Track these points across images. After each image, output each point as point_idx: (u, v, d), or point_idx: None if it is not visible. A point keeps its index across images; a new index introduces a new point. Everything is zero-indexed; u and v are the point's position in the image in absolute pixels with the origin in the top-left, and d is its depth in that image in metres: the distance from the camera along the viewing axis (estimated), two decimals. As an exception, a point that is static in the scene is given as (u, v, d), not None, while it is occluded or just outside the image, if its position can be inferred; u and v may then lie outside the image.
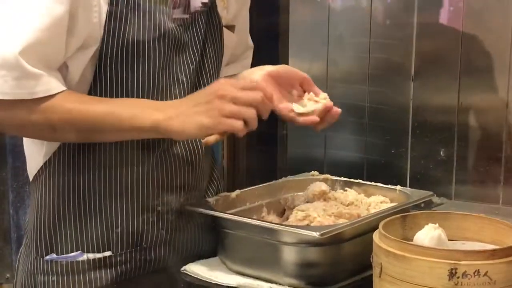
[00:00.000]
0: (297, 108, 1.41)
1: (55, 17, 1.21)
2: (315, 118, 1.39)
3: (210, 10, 1.43)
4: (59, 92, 1.24)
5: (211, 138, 1.26)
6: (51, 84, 1.23)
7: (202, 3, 1.40)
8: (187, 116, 1.23)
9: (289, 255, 1.27)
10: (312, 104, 1.41)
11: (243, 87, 1.26)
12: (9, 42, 1.18)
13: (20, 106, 1.21)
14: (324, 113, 1.40)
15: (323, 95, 1.42)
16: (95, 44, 1.28)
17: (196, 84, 1.42)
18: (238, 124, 1.22)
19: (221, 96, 1.23)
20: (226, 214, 1.37)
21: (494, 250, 1.07)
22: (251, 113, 1.23)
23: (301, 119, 1.40)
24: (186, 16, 1.38)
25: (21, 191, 2.79)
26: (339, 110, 1.42)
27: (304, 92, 1.46)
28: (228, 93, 1.23)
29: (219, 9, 1.46)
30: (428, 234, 1.14)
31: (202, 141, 1.29)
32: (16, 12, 1.20)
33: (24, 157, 1.43)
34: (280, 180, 1.62)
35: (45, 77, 1.22)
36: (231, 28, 1.53)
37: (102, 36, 1.27)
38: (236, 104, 1.23)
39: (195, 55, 1.41)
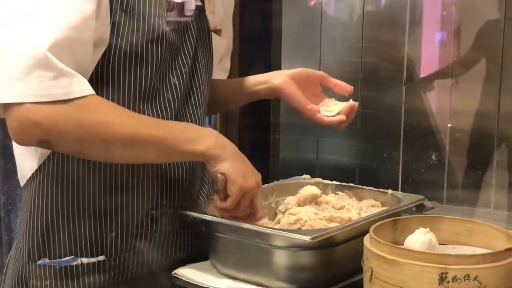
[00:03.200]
0: (325, 111, 1.50)
1: (85, 16, 1.19)
2: (341, 117, 1.48)
3: (200, 14, 1.44)
4: (93, 95, 1.20)
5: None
6: (86, 85, 1.19)
7: (196, 6, 1.40)
8: (238, 159, 1.31)
9: (280, 259, 1.27)
10: (337, 106, 1.51)
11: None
12: (37, 40, 1.14)
13: (55, 109, 1.16)
14: (349, 111, 1.49)
15: (344, 104, 1.51)
16: (104, 45, 1.26)
17: (188, 88, 1.42)
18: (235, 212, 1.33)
19: (250, 195, 1.32)
20: (218, 218, 1.37)
21: (484, 254, 1.07)
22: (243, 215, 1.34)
23: (327, 119, 1.49)
24: (181, 19, 1.37)
25: (12, 194, 2.79)
26: (356, 104, 1.51)
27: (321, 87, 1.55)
28: (255, 204, 1.34)
29: (206, 13, 1.46)
30: (419, 238, 1.15)
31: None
32: (44, 10, 1.17)
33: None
34: (271, 184, 1.62)
35: (79, 77, 1.18)
36: (218, 32, 1.54)
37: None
38: (246, 203, 1.32)
39: (187, 58, 1.41)
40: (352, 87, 1.53)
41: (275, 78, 1.54)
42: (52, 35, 1.15)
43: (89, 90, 1.20)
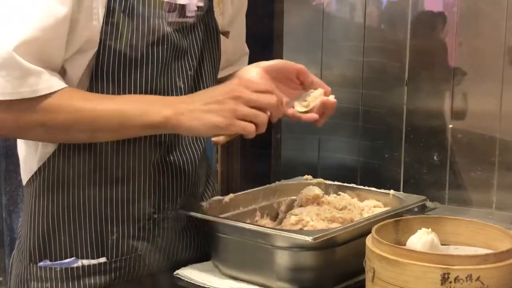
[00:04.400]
0: (299, 107, 1.43)
1: (56, 17, 1.19)
2: (314, 115, 1.41)
3: (208, 15, 1.42)
4: (61, 89, 1.22)
5: (221, 139, 1.27)
6: (53, 81, 1.21)
7: (198, 6, 1.39)
8: (199, 113, 1.22)
9: (282, 259, 1.27)
10: (311, 99, 1.43)
11: (257, 89, 1.25)
12: (4, 40, 1.16)
13: (23, 106, 1.19)
14: (322, 108, 1.42)
15: (319, 91, 1.44)
16: (94, 48, 1.26)
17: (194, 90, 1.41)
18: (250, 127, 1.22)
19: (236, 97, 1.22)
20: (219, 218, 1.37)
21: (486, 255, 1.07)
22: (263, 117, 1.23)
23: (303, 116, 1.42)
24: (182, 20, 1.36)
25: (14, 195, 2.79)
26: (335, 101, 1.43)
27: (301, 83, 1.47)
28: (243, 95, 1.22)
29: (215, 14, 1.45)
30: (421, 239, 1.14)
31: (212, 139, 1.29)
32: (16, 11, 1.18)
33: (17, 160, 1.42)
34: (273, 184, 1.62)
35: (46, 74, 1.20)
36: (225, 34, 1.52)
37: (99, 40, 1.27)
38: (250, 107, 1.22)
39: (193, 61, 1.39)
40: (329, 88, 1.45)
41: (250, 72, 1.48)
42: (20, 36, 1.17)
43: (57, 85, 1.21)
